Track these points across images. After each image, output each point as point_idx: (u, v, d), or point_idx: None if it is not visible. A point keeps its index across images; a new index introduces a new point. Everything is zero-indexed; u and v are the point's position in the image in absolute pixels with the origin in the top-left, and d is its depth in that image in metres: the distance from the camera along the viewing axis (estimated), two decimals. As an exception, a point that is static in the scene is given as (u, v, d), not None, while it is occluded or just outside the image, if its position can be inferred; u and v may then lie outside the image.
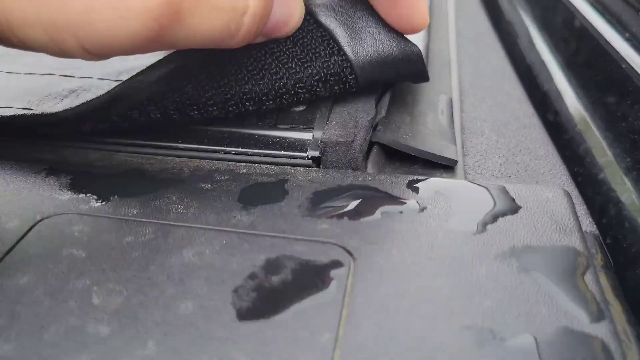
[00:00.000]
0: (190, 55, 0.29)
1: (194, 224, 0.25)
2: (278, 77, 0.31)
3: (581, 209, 0.34)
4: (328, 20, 0.31)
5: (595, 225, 0.31)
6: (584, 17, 0.54)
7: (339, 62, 0.31)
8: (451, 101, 0.39)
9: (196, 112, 0.30)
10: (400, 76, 0.34)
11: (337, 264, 0.23)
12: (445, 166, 0.33)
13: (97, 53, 0.23)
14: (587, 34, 0.53)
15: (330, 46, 0.31)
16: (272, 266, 0.23)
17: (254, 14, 0.26)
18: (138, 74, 0.28)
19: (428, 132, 0.34)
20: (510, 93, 0.44)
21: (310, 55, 0.31)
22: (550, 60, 0.59)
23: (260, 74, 0.30)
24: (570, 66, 0.55)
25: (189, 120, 0.31)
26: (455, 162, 0.32)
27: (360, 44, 0.32)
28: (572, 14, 0.57)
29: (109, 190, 0.27)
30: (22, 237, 0.24)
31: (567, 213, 0.27)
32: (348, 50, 0.31)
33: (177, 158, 0.30)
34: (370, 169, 0.31)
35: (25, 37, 0.22)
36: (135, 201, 0.26)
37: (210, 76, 0.30)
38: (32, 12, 0.22)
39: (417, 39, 0.42)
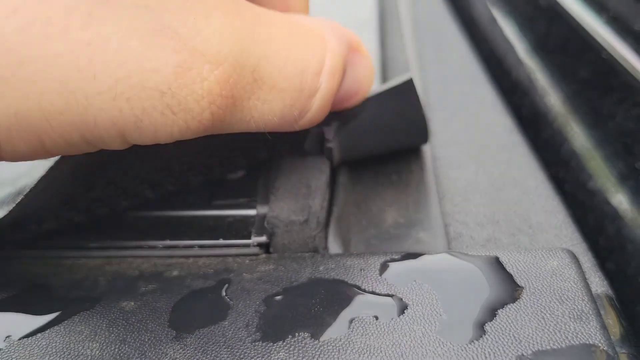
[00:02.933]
0: None
1: (112, 373, 0.19)
2: (201, 147, 0.25)
3: (568, 225, 0.29)
4: None
5: (605, 280, 0.26)
6: (550, -6, 0.49)
7: None
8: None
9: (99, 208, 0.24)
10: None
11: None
12: (423, 218, 0.27)
13: (141, 143, 0.20)
14: (557, 14, 0.47)
15: None
16: None
17: (326, 94, 0.22)
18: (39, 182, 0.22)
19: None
20: (482, 99, 0.38)
21: None
22: (517, 42, 0.54)
23: (176, 149, 0.24)
24: (541, 51, 0.50)
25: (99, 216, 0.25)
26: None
27: None
28: (536, -11, 0.52)
29: (2, 327, 0.21)
30: None
31: (579, 289, 0.22)
32: None
33: (91, 261, 0.24)
34: (332, 240, 0.25)
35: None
36: (36, 343, 0.20)
37: (111, 161, 0.23)
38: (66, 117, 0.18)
39: (370, 46, 0.36)
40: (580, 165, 0.40)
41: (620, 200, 0.35)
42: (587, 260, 0.26)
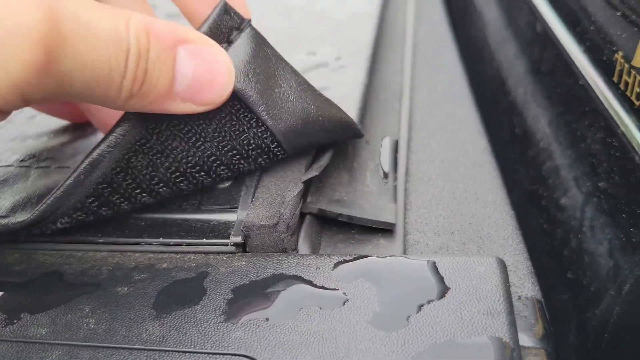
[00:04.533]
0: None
1: (102, 342, 0.24)
2: (188, 159, 0.29)
3: (515, 237, 0.32)
4: (243, 87, 0.29)
5: (538, 286, 0.29)
6: (545, 21, 0.52)
7: (259, 134, 0.30)
8: (397, 144, 0.37)
9: (105, 210, 0.29)
10: (332, 139, 0.32)
11: (245, 384, 0.22)
12: (384, 230, 0.31)
13: None
14: (549, 40, 0.50)
15: (247, 118, 0.30)
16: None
17: (138, 51, 0.25)
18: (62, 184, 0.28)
19: (366, 190, 0.33)
20: (462, 121, 0.42)
21: (226, 131, 0.29)
22: (517, 65, 0.57)
23: (165, 158, 0.29)
24: (535, 74, 0.53)
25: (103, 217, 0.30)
26: (393, 225, 0.31)
27: (279, 111, 0.30)
28: (534, 16, 0.55)
29: (20, 305, 0.26)
30: None
31: (498, 291, 0.25)
32: (267, 120, 0.30)
33: (97, 254, 0.29)
34: (302, 243, 0.30)
35: None
36: (46, 318, 0.25)
37: (116, 175, 0.28)
38: None
39: (356, 71, 0.40)
40: (556, 183, 0.43)
41: (584, 216, 0.38)
42: (525, 268, 0.30)
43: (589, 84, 0.41)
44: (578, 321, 0.36)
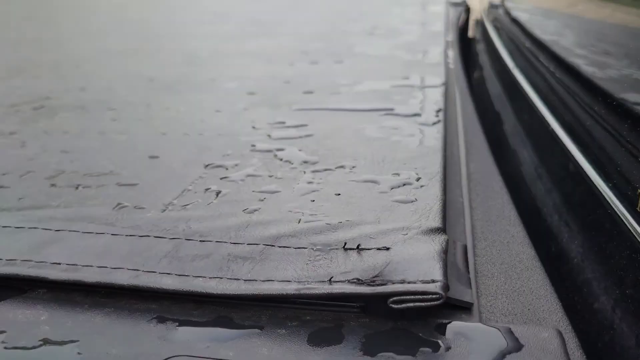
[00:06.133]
0: None
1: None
2: None
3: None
4: None
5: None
6: (576, 161, 0.64)
7: None
8: (465, 248, 0.48)
9: None
10: None
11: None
12: (464, 307, 0.41)
13: None
14: (580, 177, 0.62)
15: None
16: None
17: None
18: None
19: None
20: (514, 236, 0.53)
21: None
22: (552, 197, 0.69)
23: None
24: (569, 205, 0.65)
25: None
26: (471, 304, 0.41)
27: None
28: (567, 157, 0.67)
29: (205, 339, 0.36)
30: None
31: (559, 351, 0.35)
32: None
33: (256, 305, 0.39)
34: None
35: None
36: (227, 348, 0.35)
37: None
38: None
39: (434, 190, 0.51)
40: (588, 293, 0.53)
41: (614, 317, 0.48)
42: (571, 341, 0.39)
43: (616, 213, 0.52)
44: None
